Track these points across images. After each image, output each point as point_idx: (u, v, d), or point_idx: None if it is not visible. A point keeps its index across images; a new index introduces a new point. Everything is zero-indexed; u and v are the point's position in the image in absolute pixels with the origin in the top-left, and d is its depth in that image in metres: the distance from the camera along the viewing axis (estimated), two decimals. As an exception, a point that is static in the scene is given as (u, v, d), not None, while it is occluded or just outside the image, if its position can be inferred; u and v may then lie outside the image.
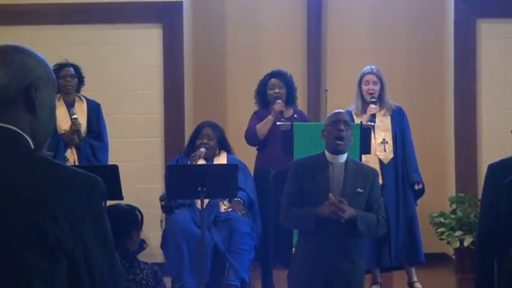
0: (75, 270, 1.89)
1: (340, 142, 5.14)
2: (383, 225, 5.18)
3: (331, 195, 4.99)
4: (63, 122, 7.03)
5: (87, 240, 1.89)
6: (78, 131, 6.99)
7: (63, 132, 6.99)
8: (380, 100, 7.20)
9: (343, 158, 5.20)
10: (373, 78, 7.19)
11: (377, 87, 7.19)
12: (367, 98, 7.16)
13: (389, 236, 7.06)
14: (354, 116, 7.16)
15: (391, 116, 7.22)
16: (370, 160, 7.02)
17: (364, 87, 7.19)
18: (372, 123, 6.98)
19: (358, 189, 5.12)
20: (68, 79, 7.06)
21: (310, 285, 5.09)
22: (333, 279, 5.05)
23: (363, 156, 6.68)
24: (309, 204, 5.06)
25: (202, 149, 6.86)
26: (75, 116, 6.99)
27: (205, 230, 6.27)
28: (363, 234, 5.15)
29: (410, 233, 7.16)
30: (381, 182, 7.05)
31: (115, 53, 8.22)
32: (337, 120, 5.19)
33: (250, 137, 7.21)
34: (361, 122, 6.82)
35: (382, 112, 7.21)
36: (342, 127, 5.15)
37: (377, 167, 7.09)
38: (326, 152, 5.22)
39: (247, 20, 8.95)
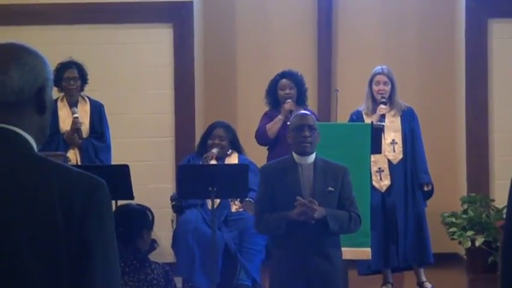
0: (75, 272, 1.88)
1: (307, 145, 5.12)
2: (356, 221, 5.14)
3: (298, 197, 4.98)
4: (65, 122, 7.03)
5: (87, 242, 1.88)
6: (78, 130, 6.97)
7: (64, 132, 6.98)
8: (390, 100, 7.19)
9: (312, 158, 5.17)
10: (383, 78, 7.18)
11: (387, 88, 7.17)
12: (378, 98, 7.15)
13: (398, 236, 7.06)
14: (364, 116, 7.15)
15: (401, 116, 7.21)
16: (379, 160, 7.01)
17: (375, 88, 7.18)
18: (383, 123, 6.96)
19: (329, 188, 5.10)
20: (72, 82, 7.04)
21: (290, 284, 5.09)
22: (311, 278, 5.05)
23: (372, 156, 6.66)
24: (281, 208, 5.06)
25: (215, 150, 6.85)
26: (76, 115, 6.98)
27: (216, 230, 6.27)
28: (335, 233, 5.13)
29: (419, 233, 7.15)
30: (389, 182, 7.07)
31: (125, 53, 8.23)
32: (301, 125, 5.15)
33: (260, 136, 7.21)
34: (371, 121, 6.81)
35: (392, 112, 7.19)
36: (307, 133, 5.11)
37: (386, 167, 7.09)
38: (294, 154, 5.20)
39: (257, 20, 8.95)
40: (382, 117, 7.11)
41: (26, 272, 1.83)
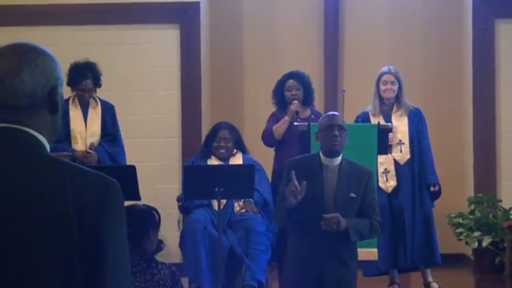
0: (88, 272, 1.88)
1: (336, 143, 5.10)
2: (377, 229, 5.13)
3: (324, 216, 4.93)
4: (76, 123, 7.01)
5: (101, 242, 1.88)
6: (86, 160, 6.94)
7: (76, 134, 6.96)
8: (397, 100, 7.19)
9: (338, 160, 5.15)
10: (391, 78, 7.18)
11: (395, 87, 7.17)
12: (384, 95, 7.16)
13: (405, 237, 7.05)
14: (371, 117, 7.14)
15: (408, 117, 7.20)
16: (385, 161, 7.01)
17: (382, 87, 7.18)
18: (390, 124, 6.95)
19: (351, 194, 5.07)
20: (86, 95, 7.01)
21: (302, 286, 5.09)
22: (325, 279, 5.04)
23: (378, 156, 6.65)
24: (302, 207, 5.00)
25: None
26: (90, 151, 6.92)
27: (222, 230, 6.27)
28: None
29: (427, 234, 7.13)
30: (395, 183, 7.06)
31: (132, 53, 8.24)
32: (331, 125, 5.14)
33: (267, 137, 7.20)
34: (378, 122, 6.80)
35: (399, 113, 7.19)
36: (337, 132, 5.10)
37: (392, 168, 7.08)
38: (321, 154, 5.18)
39: (264, 20, 8.95)
40: (388, 117, 7.12)
41: (40, 272, 1.84)
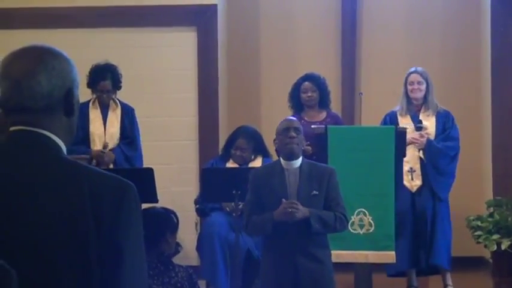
0: (105, 275, 1.88)
1: (294, 145, 5.22)
2: (342, 221, 5.21)
3: (283, 200, 5.09)
4: (95, 126, 7.02)
5: (117, 245, 1.88)
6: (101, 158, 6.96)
7: (95, 137, 6.98)
8: (425, 100, 7.20)
9: (298, 163, 5.27)
10: (417, 78, 7.20)
11: (422, 87, 7.21)
12: (411, 95, 7.17)
13: (427, 237, 7.02)
14: (399, 117, 7.18)
15: (436, 117, 7.20)
16: (411, 160, 6.99)
17: (409, 87, 7.21)
18: (406, 127, 6.90)
19: (314, 192, 5.19)
20: (105, 96, 7.03)
21: (279, 286, 5.16)
22: (300, 279, 5.13)
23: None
24: (266, 210, 5.16)
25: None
26: (104, 150, 6.94)
27: (239, 233, 6.27)
28: (319, 232, 5.17)
29: (435, 233, 7.11)
30: (420, 182, 7.04)
31: (149, 56, 8.24)
32: (287, 128, 5.27)
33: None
34: (395, 125, 6.81)
35: (427, 113, 7.20)
36: (293, 133, 5.23)
37: (418, 167, 7.07)
38: (281, 159, 5.31)
39: (281, 22, 8.94)
40: (417, 117, 7.11)
41: (57, 274, 1.84)
